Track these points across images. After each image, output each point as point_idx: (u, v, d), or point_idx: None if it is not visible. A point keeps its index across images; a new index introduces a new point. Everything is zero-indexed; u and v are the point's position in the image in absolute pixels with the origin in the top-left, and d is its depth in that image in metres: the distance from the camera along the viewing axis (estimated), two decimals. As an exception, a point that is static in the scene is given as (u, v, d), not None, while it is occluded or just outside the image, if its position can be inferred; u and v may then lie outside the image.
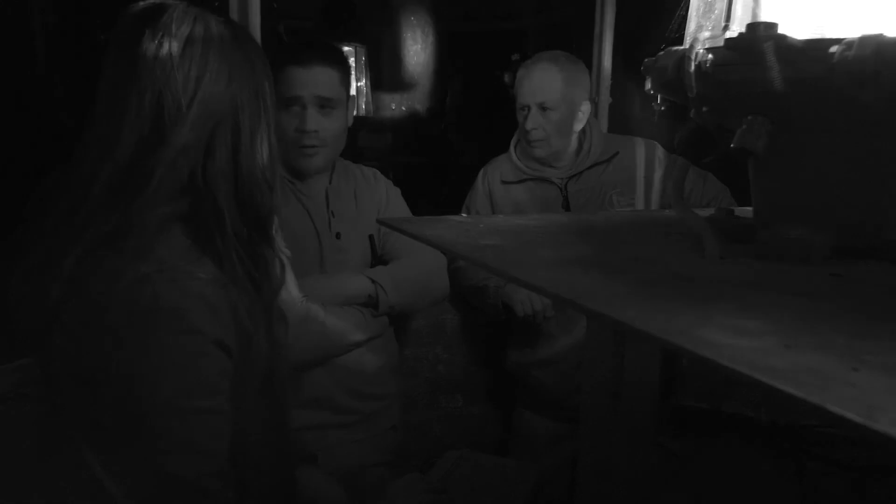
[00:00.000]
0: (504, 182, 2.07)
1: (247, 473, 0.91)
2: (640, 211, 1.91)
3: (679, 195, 0.87)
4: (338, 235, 1.61)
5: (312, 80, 1.52)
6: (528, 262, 0.75)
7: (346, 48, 2.92)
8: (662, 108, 0.76)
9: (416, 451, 1.86)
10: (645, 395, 0.78)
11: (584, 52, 2.30)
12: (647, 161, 2.03)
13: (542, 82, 1.93)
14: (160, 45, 0.85)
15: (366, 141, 1.63)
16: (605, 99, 2.28)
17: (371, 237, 1.69)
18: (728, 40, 0.69)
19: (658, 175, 2.01)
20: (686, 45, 0.76)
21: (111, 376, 0.82)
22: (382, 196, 1.75)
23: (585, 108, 1.98)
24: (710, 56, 0.70)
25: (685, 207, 0.85)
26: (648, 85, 0.78)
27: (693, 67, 0.71)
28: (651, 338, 0.47)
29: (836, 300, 0.60)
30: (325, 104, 1.53)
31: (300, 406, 1.50)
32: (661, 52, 0.75)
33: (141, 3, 0.89)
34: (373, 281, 1.59)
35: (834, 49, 0.63)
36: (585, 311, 0.59)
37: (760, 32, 0.66)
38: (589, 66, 2.13)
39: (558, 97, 1.92)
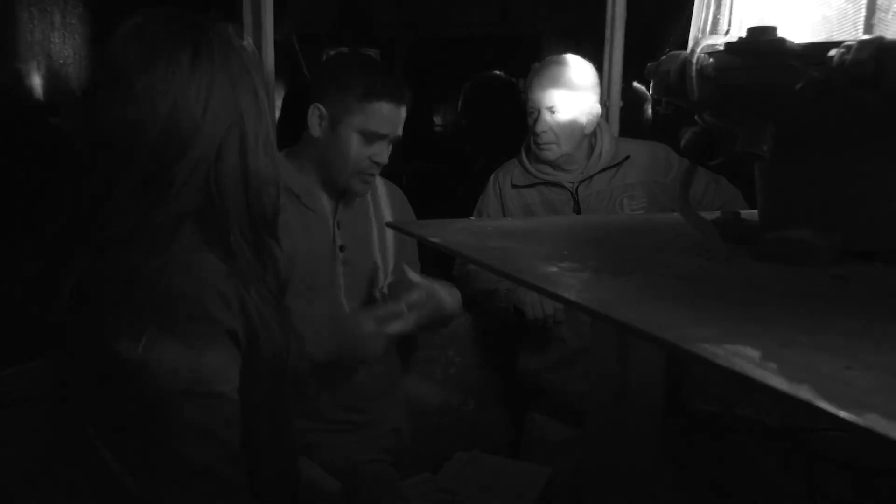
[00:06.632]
0: (515, 186, 2.08)
1: (254, 464, 0.93)
2: (650, 214, 1.91)
3: (684, 198, 0.87)
4: (341, 248, 1.59)
5: (402, 120, 1.55)
6: (533, 264, 0.76)
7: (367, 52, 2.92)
8: (658, 111, 0.76)
9: (428, 454, 1.87)
10: (650, 396, 0.79)
11: (594, 55, 2.30)
12: (659, 164, 2.03)
13: (552, 85, 1.93)
14: (170, 62, 0.88)
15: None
16: (616, 102, 2.29)
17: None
18: (729, 44, 0.69)
19: (669, 178, 2.01)
20: (689, 49, 0.76)
21: (129, 362, 0.84)
22: (385, 199, 1.74)
23: (595, 112, 1.99)
24: (711, 60, 0.71)
25: (691, 210, 0.85)
26: (652, 89, 0.79)
27: (695, 72, 0.71)
28: (649, 337, 0.48)
29: (835, 302, 0.61)
30: (393, 141, 1.56)
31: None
32: (664, 57, 0.76)
33: (141, 18, 0.91)
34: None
35: (833, 52, 0.63)
36: (588, 311, 0.60)
37: (761, 36, 0.67)
38: (599, 69, 2.13)
39: (568, 100, 1.92)
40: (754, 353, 0.46)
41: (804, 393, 0.38)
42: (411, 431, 1.79)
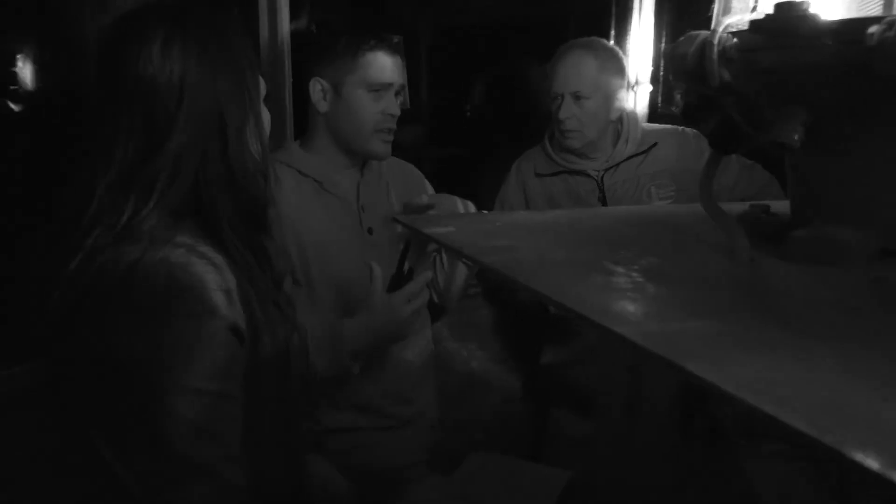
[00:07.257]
0: (538, 175, 2.01)
1: (256, 463, 0.91)
2: (673, 206, 1.83)
3: (707, 192, 0.81)
4: (370, 231, 1.57)
5: (400, 69, 1.55)
6: (537, 265, 0.71)
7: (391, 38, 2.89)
8: (674, 109, 0.70)
9: (450, 449, 1.83)
10: (663, 404, 0.73)
11: (621, 38, 2.21)
12: (688, 151, 1.94)
13: (576, 70, 1.86)
14: (140, 53, 0.85)
15: (399, 134, 1.62)
16: (644, 87, 2.19)
17: None
18: (754, 22, 0.62)
19: (700, 165, 1.92)
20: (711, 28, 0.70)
21: (128, 358, 0.82)
22: (415, 186, 1.72)
23: (621, 97, 1.91)
24: (734, 40, 0.64)
25: (714, 205, 0.79)
26: (670, 74, 0.72)
27: (716, 53, 0.65)
28: (648, 354, 0.42)
29: (874, 310, 0.54)
30: (399, 91, 1.56)
31: (339, 409, 1.50)
32: (682, 38, 0.69)
33: (119, 13, 0.88)
34: None
35: (873, 29, 0.56)
36: (590, 323, 0.54)
37: (790, 12, 0.60)
38: (626, 53, 2.04)
39: (592, 86, 1.84)
40: (771, 379, 0.40)
41: (828, 436, 0.32)
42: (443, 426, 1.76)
